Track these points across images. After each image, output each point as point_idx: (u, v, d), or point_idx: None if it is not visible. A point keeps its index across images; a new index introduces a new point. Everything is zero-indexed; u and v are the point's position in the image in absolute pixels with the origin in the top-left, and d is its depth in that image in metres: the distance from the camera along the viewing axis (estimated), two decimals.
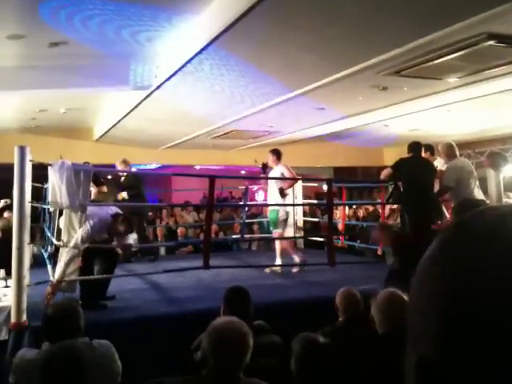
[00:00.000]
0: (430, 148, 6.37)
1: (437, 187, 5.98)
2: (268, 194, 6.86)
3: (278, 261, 6.67)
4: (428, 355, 0.48)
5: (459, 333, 0.47)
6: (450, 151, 6.13)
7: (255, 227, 10.36)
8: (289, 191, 6.72)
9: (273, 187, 6.68)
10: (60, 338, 2.40)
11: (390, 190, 6.34)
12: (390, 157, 11.02)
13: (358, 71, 5.65)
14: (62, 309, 2.63)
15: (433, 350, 0.48)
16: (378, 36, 4.78)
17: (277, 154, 6.74)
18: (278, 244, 6.79)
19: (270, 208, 7.00)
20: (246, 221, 9.37)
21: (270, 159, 6.76)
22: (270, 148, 10.83)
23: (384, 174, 5.89)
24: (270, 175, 6.77)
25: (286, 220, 6.67)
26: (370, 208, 10.66)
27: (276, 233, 6.78)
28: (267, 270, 6.64)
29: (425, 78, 6.20)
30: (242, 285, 3.56)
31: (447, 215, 6.46)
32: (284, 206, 6.69)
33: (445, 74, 6.08)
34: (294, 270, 6.58)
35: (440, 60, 5.38)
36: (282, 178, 6.65)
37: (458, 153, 6.18)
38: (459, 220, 0.56)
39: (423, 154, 6.16)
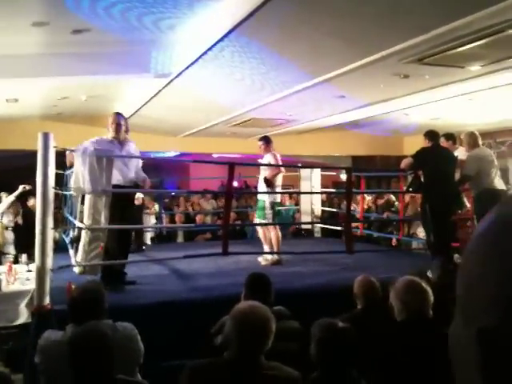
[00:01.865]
0: (451, 137, 6.31)
1: (457, 176, 5.93)
2: (259, 183, 6.79)
3: (266, 248, 6.61)
4: (489, 326, 0.50)
5: None
6: (472, 140, 6.06)
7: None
8: (277, 180, 6.58)
9: (261, 176, 6.64)
10: (85, 319, 2.46)
11: (410, 179, 6.30)
12: (410, 146, 10.91)
13: (381, 58, 5.60)
14: (87, 291, 2.69)
15: (497, 319, 0.49)
16: (403, 22, 4.73)
17: (266, 141, 6.70)
18: (261, 233, 6.71)
19: (258, 196, 6.94)
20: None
21: (260, 147, 6.71)
22: (288, 136, 10.85)
23: (405, 163, 5.84)
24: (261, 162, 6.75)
25: (272, 209, 6.55)
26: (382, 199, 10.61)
27: (257, 221, 6.76)
28: (260, 260, 6.53)
29: (447, 66, 6.12)
30: (260, 271, 3.60)
31: (468, 204, 6.41)
32: (306, 193, 6.68)
33: (467, 62, 6.00)
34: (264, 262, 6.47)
35: (463, 48, 5.31)
36: (299, 167, 6.68)
37: (480, 142, 6.11)
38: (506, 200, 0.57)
39: (445, 143, 6.10)
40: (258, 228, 6.89)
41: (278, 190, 6.75)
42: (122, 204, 4.81)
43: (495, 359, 0.50)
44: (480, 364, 0.51)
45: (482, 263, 0.54)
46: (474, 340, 0.51)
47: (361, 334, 2.56)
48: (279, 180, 6.67)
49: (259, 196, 6.88)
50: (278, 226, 6.69)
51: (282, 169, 6.72)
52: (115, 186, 4.82)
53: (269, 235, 6.58)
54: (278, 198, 6.86)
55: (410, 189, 6.47)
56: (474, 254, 0.56)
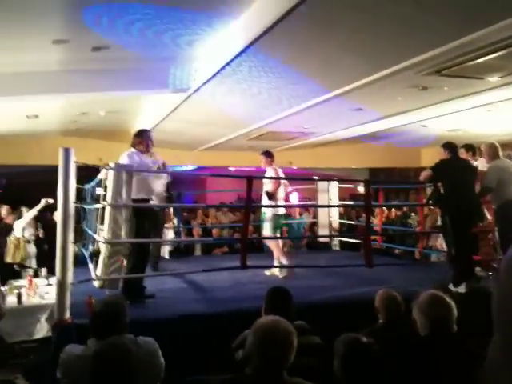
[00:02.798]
0: (471, 148, 6.24)
1: (478, 188, 5.86)
2: (262, 196, 6.89)
3: (277, 262, 6.64)
4: None
5: None
6: (492, 151, 5.98)
7: (284, 228, 10.34)
8: (279, 193, 6.72)
9: (264, 189, 6.74)
10: (107, 334, 2.46)
11: (430, 191, 6.24)
12: (428, 158, 10.86)
13: (398, 71, 5.60)
14: (109, 305, 2.70)
15: None
16: (419, 35, 4.73)
17: (267, 155, 6.82)
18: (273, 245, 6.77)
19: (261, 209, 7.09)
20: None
21: (262, 161, 6.82)
22: (304, 150, 10.85)
23: (424, 175, 5.80)
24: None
25: (272, 221, 6.65)
26: (399, 211, 10.54)
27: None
28: (267, 273, 6.61)
29: (466, 78, 6.10)
30: (279, 285, 3.58)
31: (488, 216, 6.33)
32: (323, 206, 6.69)
33: (486, 73, 5.97)
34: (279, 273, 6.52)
35: (481, 59, 5.29)
36: (322, 180, 6.73)
37: (500, 153, 6.03)
38: None
39: (465, 154, 6.05)
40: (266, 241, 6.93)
41: (280, 202, 6.89)
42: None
43: None
44: None
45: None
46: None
47: (383, 348, 2.53)
48: (281, 193, 6.83)
49: (262, 209, 6.96)
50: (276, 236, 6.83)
51: (283, 182, 6.87)
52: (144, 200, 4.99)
53: (273, 247, 6.68)
54: (281, 210, 6.91)
55: (430, 201, 6.41)
56: (506, 274, 0.56)
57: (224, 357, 3.20)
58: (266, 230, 6.72)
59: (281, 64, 5.59)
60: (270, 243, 6.82)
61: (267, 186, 6.66)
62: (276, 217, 6.71)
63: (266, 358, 2.09)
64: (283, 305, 3.12)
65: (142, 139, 5.29)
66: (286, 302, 3.19)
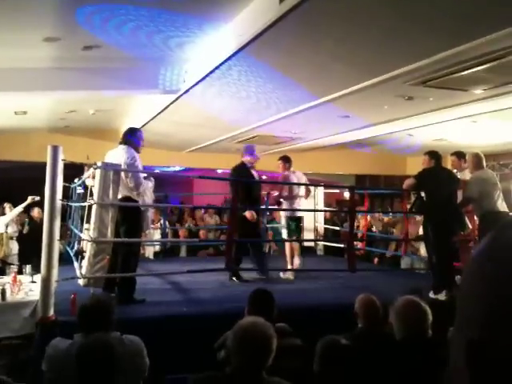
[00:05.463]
0: (463, 155, 6.32)
1: (460, 197, 5.97)
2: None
3: (290, 265, 6.81)
4: (475, 339, 0.56)
5: (499, 319, 0.55)
6: (476, 161, 6.06)
7: (270, 232, 10.41)
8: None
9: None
10: (93, 329, 2.50)
11: (413, 199, 6.35)
12: (414, 166, 10.96)
13: (385, 80, 5.69)
14: (96, 301, 2.74)
15: (478, 334, 0.56)
16: (406, 46, 4.83)
17: (285, 161, 7.04)
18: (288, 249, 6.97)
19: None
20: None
21: (279, 166, 6.98)
22: (291, 154, 10.92)
23: (407, 183, 5.90)
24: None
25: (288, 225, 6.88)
26: (385, 219, 10.66)
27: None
28: (282, 276, 6.70)
29: (451, 89, 6.20)
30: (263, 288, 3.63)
31: (470, 226, 6.44)
32: (307, 211, 6.82)
33: (471, 85, 6.08)
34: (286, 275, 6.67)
35: (467, 72, 5.39)
36: (309, 184, 6.90)
37: (484, 164, 6.13)
38: (503, 224, 0.64)
39: (456, 162, 6.16)
40: (287, 245, 7.12)
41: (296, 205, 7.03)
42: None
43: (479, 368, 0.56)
44: (468, 371, 0.57)
45: (471, 284, 0.60)
46: (464, 351, 0.57)
47: (361, 352, 2.60)
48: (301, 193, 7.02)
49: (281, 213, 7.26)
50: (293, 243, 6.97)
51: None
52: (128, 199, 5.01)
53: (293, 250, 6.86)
54: (296, 213, 7.05)
55: (413, 209, 6.51)
56: (467, 273, 0.63)
57: (206, 357, 3.25)
58: (284, 233, 6.90)
59: (270, 69, 5.65)
60: (287, 247, 6.95)
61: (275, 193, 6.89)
62: (290, 221, 6.85)
63: (245, 357, 2.14)
64: (265, 306, 3.17)
65: (137, 138, 5.26)
66: (269, 303, 3.24)
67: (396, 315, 2.76)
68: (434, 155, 5.82)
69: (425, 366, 2.47)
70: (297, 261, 6.75)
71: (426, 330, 2.65)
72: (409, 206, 6.93)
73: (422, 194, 5.84)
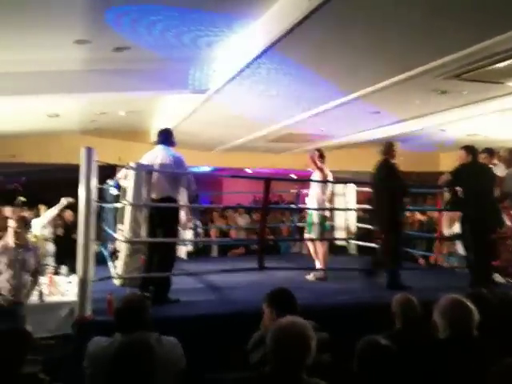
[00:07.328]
0: (494, 152, 6.16)
1: (497, 193, 5.81)
2: (309, 197, 6.83)
3: (318, 265, 6.64)
4: None
5: None
6: (511, 157, 5.94)
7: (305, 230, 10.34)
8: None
9: (313, 191, 6.67)
10: (131, 329, 2.51)
11: (448, 196, 6.21)
12: (447, 162, 10.77)
13: (417, 74, 5.59)
14: (129, 302, 2.75)
15: None
16: (439, 39, 4.73)
17: (318, 156, 6.71)
18: (311, 248, 6.77)
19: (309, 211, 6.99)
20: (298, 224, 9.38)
21: (315, 159, 6.67)
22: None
23: (442, 180, 5.77)
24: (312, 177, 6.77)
25: (321, 225, 6.61)
26: (421, 217, 10.42)
27: (308, 236, 6.81)
28: (311, 277, 6.55)
29: (485, 82, 6.06)
30: (287, 287, 3.48)
31: (508, 223, 6.27)
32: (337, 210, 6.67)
33: (506, 77, 5.93)
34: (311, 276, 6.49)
35: (501, 64, 5.26)
36: (336, 182, 6.69)
37: None
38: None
39: (487, 159, 5.98)
40: (309, 243, 6.90)
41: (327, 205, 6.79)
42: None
43: None
44: None
45: None
46: None
47: (400, 352, 2.53)
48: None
49: (309, 211, 6.90)
50: (326, 242, 6.73)
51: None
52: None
53: (319, 251, 6.62)
54: (327, 213, 6.86)
55: (448, 206, 6.37)
56: None
57: (240, 356, 3.21)
58: (315, 232, 6.67)
59: (299, 66, 5.61)
60: (319, 247, 6.71)
61: (314, 189, 6.64)
62: (323, 220, 6.68)
63: (284, 357, 2.10)
64: (289, 305, 3.08)
65: (173, 138, 5.23)
66: (291, 301, 3.15)
67: (440, 314, 2.69)
68: (470, 150, 5.66)
69: (468, 364, 2.40)
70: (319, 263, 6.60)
71: (472, 328, 2.57)
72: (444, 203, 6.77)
73: (458, 191, 5.70)
